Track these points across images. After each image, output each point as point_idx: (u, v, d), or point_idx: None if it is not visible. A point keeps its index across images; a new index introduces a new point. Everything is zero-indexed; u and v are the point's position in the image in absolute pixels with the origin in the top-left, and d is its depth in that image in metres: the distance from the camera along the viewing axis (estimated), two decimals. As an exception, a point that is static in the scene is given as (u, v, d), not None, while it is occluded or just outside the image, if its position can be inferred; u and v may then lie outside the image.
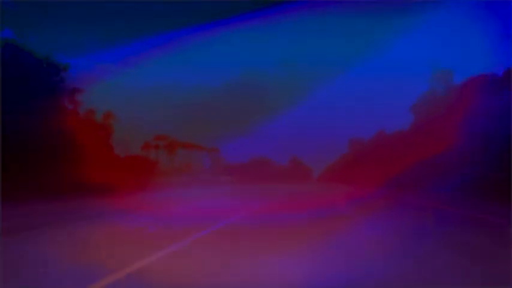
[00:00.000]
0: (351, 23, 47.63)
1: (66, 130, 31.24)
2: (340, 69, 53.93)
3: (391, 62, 55.05)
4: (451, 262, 6.46)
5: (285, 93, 64.60)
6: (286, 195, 28.94)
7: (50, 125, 29.00)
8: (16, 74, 27.37)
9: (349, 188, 43.58)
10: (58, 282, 5.59)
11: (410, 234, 9.49)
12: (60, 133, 30.29)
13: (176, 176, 56.67)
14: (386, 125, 50.73)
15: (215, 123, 59.46)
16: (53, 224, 12.01)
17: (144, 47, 49.64)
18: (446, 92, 36.66)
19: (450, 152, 29.90)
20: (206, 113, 56.15)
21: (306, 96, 60.22)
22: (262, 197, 26.62)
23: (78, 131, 32.58)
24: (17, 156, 25.69)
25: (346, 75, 53.63)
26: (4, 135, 24.54)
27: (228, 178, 65.52)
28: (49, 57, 31.31)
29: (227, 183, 62.02)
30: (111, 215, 15.28)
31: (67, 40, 53.45)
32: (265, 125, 56.91)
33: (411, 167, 36.08)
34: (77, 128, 32.74)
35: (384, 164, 41.07)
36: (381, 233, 9.71)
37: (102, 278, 5.67)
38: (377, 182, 41.45)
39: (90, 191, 27.72)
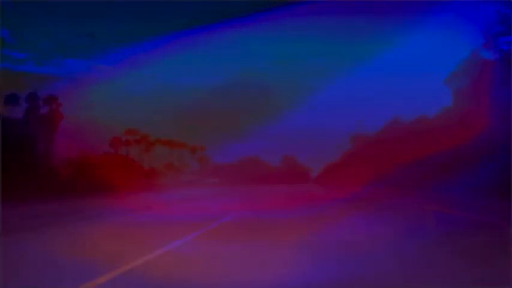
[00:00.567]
0: (355, 22, 46.26)
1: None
2: (343, 68, 51.17)
3: (393, 61, 52.56)
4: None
5: (285, 94, 62.41)
6: (275, 198, 26.72)
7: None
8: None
9: (345, 188, 40.96)
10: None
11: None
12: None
13: (153, 177, 50.30)
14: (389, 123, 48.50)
15: (209, 123, 57.50)
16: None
17: (144, 48, 49.46)
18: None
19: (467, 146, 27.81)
20: (202, 113, 53.76)
21: (306, 96, 56.13)
22: (244, 200, 24.89)
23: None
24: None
25: (350, 74, 50.70)
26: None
27: (214, 180, 59.08)
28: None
29: (212, 185, 55.66)
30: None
31: (65, 40, 53.06)
32: (262, 125, 54.16)
33: (420, 164, 33.41)
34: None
35: (391, 161, 37.85)
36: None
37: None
38: (382, 180, 38.63)
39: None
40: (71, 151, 40.51)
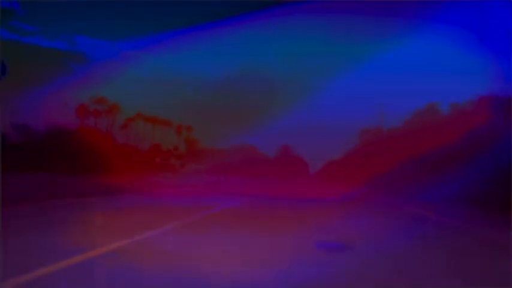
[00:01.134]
0: (361, 21, 48.13)
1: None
2: (348, 67, 51.19)
3: (395, 61, 54.32)
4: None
5: (290, 89, 63.71)
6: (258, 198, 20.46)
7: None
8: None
9: (344, 186, 36.85)
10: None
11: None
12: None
13: (125, 156, 43.58)
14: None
15: (209, 110, 56.28)
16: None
17: (154, 39, 50.84)
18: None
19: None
20: (205, 101, 52.34)
21: (311, 93, 56.08)
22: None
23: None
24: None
25: (353, 72, 51.65)
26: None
27: (197, 166, 52.22)
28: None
29: (194, 173, 48.86)
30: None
31: (79, 21, 52.06)
32: (263, 117, 52.78)
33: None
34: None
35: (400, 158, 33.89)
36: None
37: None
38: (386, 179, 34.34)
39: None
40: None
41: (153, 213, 11.46)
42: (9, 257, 5.62)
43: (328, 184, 44.47)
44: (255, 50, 61.91)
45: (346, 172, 49.61)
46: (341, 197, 23.07)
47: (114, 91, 48.83)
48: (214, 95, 53.15)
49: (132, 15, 55.75)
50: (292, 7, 45.17)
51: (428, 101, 40.67)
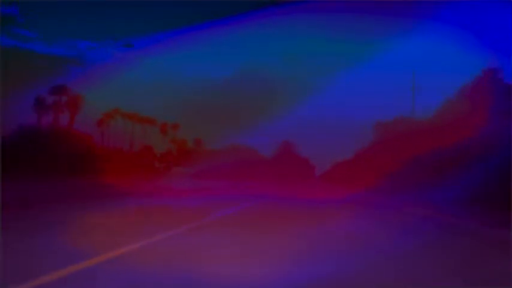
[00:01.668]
0: (362, 20, 46.72)
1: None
2: (349, 66, 51.09)
3: (396, 59, 50.61)
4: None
5: (290, 88, 58.25)
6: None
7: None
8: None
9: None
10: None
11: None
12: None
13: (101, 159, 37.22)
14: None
15: (206, 112, 53.12)
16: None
17: (153, 40, 51.43)
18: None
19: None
20: (202, 102, 50.55)
21: (313, 91, 54.43)
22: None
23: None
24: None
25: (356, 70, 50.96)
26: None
27: (185, 169, 45.57)
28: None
29: (181, 176, 42.26)
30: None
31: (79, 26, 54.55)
32: (263, 117, 50.78)
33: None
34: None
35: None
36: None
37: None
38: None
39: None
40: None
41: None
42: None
43: (339, 188, 40.02)
44: (253, 50, 59.68)
45: (358, 173, 44.37)
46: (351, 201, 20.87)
47: (110, 93, 45.34)
48: (211, 95, 51.21)
49: (129, 15, 56.38)
50: (290, 7, 45.82)
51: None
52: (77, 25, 55.68)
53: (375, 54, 50.16)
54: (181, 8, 58.24)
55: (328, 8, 46.19)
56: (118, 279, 4.65)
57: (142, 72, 55.37)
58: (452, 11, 37.41)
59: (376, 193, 30.09)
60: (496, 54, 32.10)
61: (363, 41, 53.06)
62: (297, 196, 24.56)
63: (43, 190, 18.68)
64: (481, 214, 14.75)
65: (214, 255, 6.21)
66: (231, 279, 4.94)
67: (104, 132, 41.91)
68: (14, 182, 19.64)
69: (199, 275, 4.99)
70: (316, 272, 5.37)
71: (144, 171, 41.31)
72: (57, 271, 4.75)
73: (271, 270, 5.41)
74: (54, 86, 38.37)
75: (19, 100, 38.19)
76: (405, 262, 6.15)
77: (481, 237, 9.51)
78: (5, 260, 5.24)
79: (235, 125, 51.95)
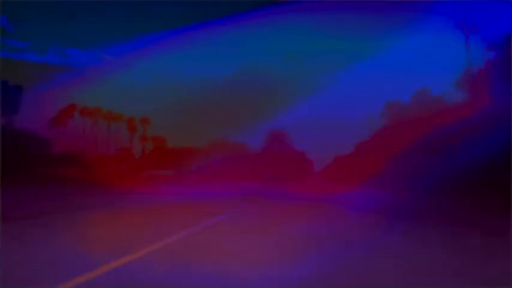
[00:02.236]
0: (361, 18, 46.96)
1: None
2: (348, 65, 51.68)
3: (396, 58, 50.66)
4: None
5: (290, 89, 56.87)
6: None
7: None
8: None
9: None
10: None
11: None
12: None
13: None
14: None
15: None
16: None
17: (146, 42, 50.11)
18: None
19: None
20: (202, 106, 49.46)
21: (313, 91, 53.73)
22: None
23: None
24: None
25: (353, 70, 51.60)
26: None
27: (163, 172, 38.58)
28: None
29: (156, 180, 35.34)
30: None
31: (70, 33, 54.07)
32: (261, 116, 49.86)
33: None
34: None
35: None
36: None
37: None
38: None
39: None
40: None
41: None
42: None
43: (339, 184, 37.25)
44: (251, 49, 59.25)
45: (360, 167, 40.63)
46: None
47: (102, 98, 43.81)
48: (210, 95, 49.96)
49: (128, 15, 55.40)
50: (289, 6, 47.15)
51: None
52: (68, 33, 55.37)
53: (374, 51, 50.65)
54: (179, 8, 58.01)
55: (326, 6, 47.05)
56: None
57: (137, 75, 54.39)
58: (450, 10, 37.86)
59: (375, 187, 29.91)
60: (496, 53, 32.94)
61: (362, 38, 53.67)
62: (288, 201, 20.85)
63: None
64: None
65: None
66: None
67: (61, 132, 34.97)
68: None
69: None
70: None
71: (112, 175, 34.42)
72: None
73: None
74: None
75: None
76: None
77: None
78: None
79: (235, 125, 50.24)
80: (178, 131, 48.66)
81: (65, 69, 49.46)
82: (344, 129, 50.17)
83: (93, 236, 8.43)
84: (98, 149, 36.89)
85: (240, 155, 44.92)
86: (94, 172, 34.14)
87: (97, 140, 36.86)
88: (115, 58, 50.45)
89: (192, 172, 40.98)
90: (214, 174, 41.01)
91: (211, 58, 61.14)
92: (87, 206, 15.50)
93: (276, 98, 52.52)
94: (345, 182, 39.63)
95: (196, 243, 7.63)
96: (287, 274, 5.65)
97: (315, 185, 40.16)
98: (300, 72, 58.60)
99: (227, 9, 56.02)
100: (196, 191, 28.26)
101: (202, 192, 26.38)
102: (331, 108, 52.92)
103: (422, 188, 27.91)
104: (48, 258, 6.11)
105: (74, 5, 47.54)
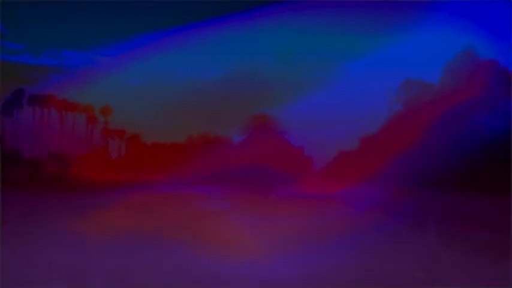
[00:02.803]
0: (358, 17, 46.22)
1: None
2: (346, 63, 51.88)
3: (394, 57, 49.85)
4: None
5: (284, 88, 55.87)
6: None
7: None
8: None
9: None
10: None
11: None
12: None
13: None
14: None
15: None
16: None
17: (141, 42, 49.53)
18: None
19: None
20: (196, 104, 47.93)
21: (309, 88, 53.10)
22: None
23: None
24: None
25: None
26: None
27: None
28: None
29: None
30: None
31: (64, 34, 52.97)
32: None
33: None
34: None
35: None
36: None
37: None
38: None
39: None
40: None
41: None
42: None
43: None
44: (246, 49, 55.96)
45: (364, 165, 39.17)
46: None
47: (97, 99, 43.34)
48: (204, 95, 48.32)
49: (126, 15, 53.07)
50: (284, 5, 47.01)
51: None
52: (64, 35, 53.06)
53: (372, 48, 50.60)
54: (174, 8, 55.24)
55: (320, 4, 47.15)
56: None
57: (133, 76, 53.23)
58: (450, 10, 38.51)
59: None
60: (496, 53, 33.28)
61: (361, 36, 52.65)
62: None
63: None
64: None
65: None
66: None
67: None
68: None
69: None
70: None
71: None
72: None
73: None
74: None
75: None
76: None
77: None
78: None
79: (235, 124, 48.25)
80: (159, 126, 45.88)
81: (61, 70, 49.31)
82: (345, 126, 48.60)
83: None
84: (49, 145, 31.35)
85: (223, 150, 38.74)
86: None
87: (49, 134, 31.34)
88: (110, 59, 50.36)
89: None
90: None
91: (207, 58, 58.74)
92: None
93: (273, 97, 51.52)
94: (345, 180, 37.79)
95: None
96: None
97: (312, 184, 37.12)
98: (295, 70, 57.37)
99: (221, 10, 52.31)
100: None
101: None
102: (330, 107, 51.03)
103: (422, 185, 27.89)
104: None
105: (70, 6, 46.54)
